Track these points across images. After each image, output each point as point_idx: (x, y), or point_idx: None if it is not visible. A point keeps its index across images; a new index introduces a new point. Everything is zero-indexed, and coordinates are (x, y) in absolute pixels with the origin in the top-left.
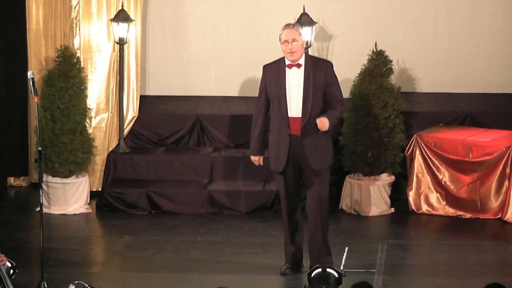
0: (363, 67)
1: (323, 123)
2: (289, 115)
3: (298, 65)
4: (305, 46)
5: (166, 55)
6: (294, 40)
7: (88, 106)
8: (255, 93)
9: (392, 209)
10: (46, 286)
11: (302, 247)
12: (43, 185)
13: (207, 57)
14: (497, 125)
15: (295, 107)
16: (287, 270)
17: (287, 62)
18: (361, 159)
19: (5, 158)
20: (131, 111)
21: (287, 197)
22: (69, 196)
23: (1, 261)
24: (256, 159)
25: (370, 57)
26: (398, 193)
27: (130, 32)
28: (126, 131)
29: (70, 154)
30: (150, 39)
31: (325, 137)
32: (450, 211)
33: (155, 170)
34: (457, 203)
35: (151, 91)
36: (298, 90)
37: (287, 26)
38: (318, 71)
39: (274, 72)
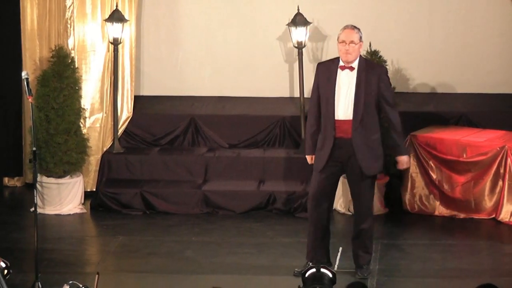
0: None
1: (403, 164)
2: (336, 117)
3: (351, 68)
4: (361, 49)
5: (160, 55)
6: (352, 42)
7: (82, 106)
8: (249, 93)
9: (387, 209)
10: (40, 286)
11: (326, 249)
12: (37, 185)
13: (201, 57)
14: (491, 125)
15: (343, 110)
16: (296, 271)
17: (341, 63)
18: None
19: (0, 159)
20: (126, 111)
21: (315, 196)
22: (64, 196)
23: None
24: (308, 158)
25: (364, 57)
26: (392, 193)
27: (125, 32)
28: (120, 131)
29: (65, 154)
30: (145, 39)
31: (377, 142)
32: (444, 211)
33: (149, 170)
34: (451, 203)
35: (145, 91)
36: (348, 93)
37: (347, 27)
38: (371, 75)
39: (327, 72)
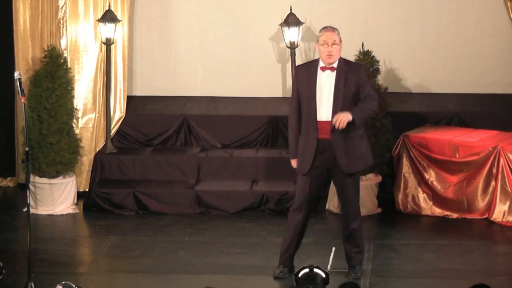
0: None
1: (338, 117)
2: (318, 118)
3: (332, 68)
4: (341, 50)
5: (153, 55)
6: (334, 43)
7: (75, 106)
8: (242, 93)
9: (379, 209)
10: (33, 286)
11: (295, 252)
12: (30, 185)
13: (194, 57)
14: (484, 125)
15: (325, 111)
16: (281, 274)
17: (321, 65)
18: None
19: None
20: (118, 112)
21: (306, 200)
22: (56, 197)
23: None
24: (293, 162)
25: (357, 57)
26: (385, 193)
27: (117, 32)
28: (113, 131)
29: (57, 154)
30: (137, 39)
31: (358, 140)
32: (437, 211)
33: (142, 171)
34: (444, 203)
35: (138, 92)
36: (330, 93)
37: (327, 28)
38: (350, 74)
39: (307, 73)
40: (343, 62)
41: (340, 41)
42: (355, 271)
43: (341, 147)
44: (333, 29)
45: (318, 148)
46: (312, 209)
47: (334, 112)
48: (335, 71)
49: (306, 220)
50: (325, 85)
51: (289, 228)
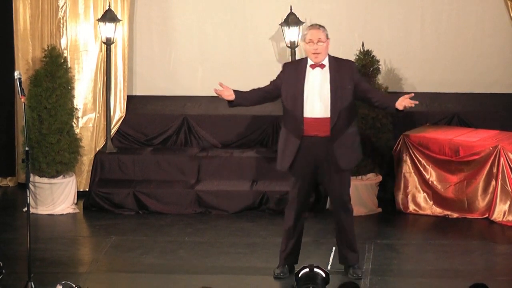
0: None
1: (404, 100)
2: (306, 115)
3: (322, 66)
4: (329, 47)
5: (153, 55)
6: (319, 40)
7: (75, 106)
8: None
9: (380, 209)
10: (33, 286)
11: (299, 252)
12: (30, 185)
13: (194, 57)
14: (484, 125)
15: (318, 107)
16: (281, 274)
17: (310, 63)
18: None
19: None
20: (118, 111)
21: (298, 199)
22: (56, 196)
23: None
24: (229, 96)
25: (357, 57)
26: (385, 193)
27: (117, 32)
28: (113, 131)
29: (57, 154)
30: (137, 39)
31: (353, 135)
32: (437, 211)
33: (142, 170)
34: (444, 202)
35: (138, 91)
36: (323, 90)
37: (313, 26)
38: (343, 71)
39: (294, 71)
40: (332, 59)
41: (327, 38)
42: (355, 270)
43: (340, 145)
44: (319, 26)
45: (301, 145)
46: (304, 208)
47: (333, 109)
48: (325, 68)
49: (300, 218)
50: (316, 82)
51: (285, 227)
